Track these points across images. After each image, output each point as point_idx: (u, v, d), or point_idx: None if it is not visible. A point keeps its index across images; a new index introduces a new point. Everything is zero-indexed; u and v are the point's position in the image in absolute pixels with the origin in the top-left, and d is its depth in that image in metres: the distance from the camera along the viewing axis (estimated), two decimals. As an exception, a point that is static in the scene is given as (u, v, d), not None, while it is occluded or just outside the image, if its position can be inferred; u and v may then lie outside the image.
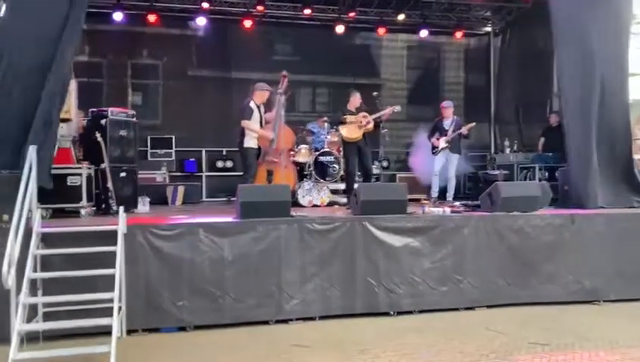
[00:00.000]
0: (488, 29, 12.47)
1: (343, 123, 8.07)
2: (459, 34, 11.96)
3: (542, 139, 9.79)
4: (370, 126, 8.07)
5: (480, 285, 6.23)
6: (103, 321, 4.55)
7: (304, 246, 5.79)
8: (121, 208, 5.30)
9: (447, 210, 6.46)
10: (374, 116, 8.03)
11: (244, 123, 7.49)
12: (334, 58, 11.75)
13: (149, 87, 11.72)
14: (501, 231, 6.32)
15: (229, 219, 5.94)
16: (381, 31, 11.70)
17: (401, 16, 11.40)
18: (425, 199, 7.95)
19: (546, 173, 8.78)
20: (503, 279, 6.31)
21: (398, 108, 8.18)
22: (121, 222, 5.12)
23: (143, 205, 7.52)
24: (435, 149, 8.37)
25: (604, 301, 6.47)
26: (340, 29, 11.32)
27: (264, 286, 5.66)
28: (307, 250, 5.80)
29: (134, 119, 7.45)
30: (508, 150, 10.34)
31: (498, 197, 6.51)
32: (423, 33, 11.74)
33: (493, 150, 12.01)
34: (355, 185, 7.32)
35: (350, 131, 8.10)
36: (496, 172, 9.36)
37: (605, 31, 7.21)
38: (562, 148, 9.14)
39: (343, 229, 5.92)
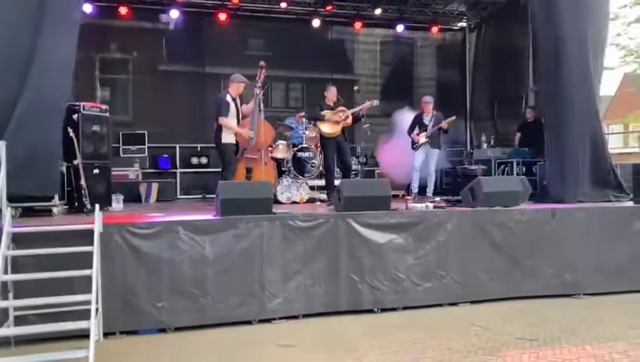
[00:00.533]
0: (463, 24, 12.51)
1: (321, 119, 7.91)
2: (434, 29, 11.97)
3: (518, 134, 9.83)
4: (349, 121, 7.93)
5: (463, 280, 6.21)
6: (79, 325, 4.35)
7: (287, 244, 5.68)
8: (97, 206, 5.08)
9: (430, 205, 6.41)
10: (353, 110, 7.90)
11: (222, 120, 7.28)
12: (309, 53, 11.66)
13: (118, 82, 11.39)
14: (484, 226, 6.30)
15: (209, 216, 5.78)
16: (357, 25, 11.61)
17: (377, 11, 11.34)
18: (406, 195, 7.87)
19: (524, 168, 8.82)
20: (486, 274, 6.30)
21: (376, 102, 8.06)
22: (97, 221, 4.92)
23: (117, 203, 7.28)
24: (415, 144, 8.32)
25: (583, 294, 6.52)
26: (315, 22, 11.18)
27: (246, 285, 5.53)
28: (290, 247, 5.68)
29: (107, 114, 7.20)
30: (485, 145, 10.37)
31: (480, 192, 6.49)
32: (399, 28, 11.70)
33: (469, 145, 12.05)
34: (337, 182, 7.21)
35: (328, 127, 7.95)
36: (475, 167, 9.38)
37: (583, 24, 7.25)
38: (538, 143, 9.26)
39: (326, 226, 5.82)
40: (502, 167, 9.14)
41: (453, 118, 8.32)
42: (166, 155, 10.73)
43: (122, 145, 10.30)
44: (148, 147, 10.45)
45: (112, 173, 8.84)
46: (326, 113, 7.94)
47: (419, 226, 6.09)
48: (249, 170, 7.41)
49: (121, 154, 10.18)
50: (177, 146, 10.92)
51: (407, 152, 8.89)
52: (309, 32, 11.61)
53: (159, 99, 10.79)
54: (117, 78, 11.35)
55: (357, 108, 7.93)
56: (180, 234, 5.39)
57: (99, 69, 11.03)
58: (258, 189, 5.91)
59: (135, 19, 10.90)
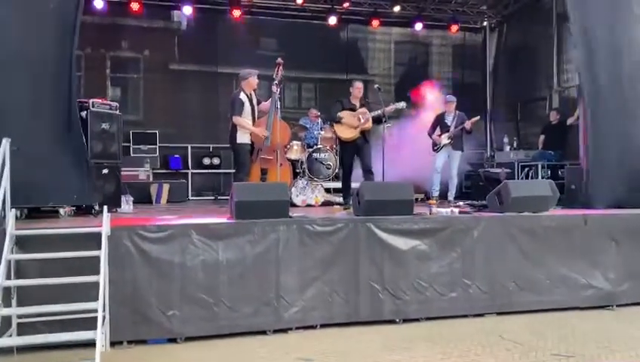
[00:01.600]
0: (484, 23, 12.13)
1: (337, 121, 7.51)
2: (454, 28, 11.59)
3: (542, 137, 9.48)
4: (369, 125, 7.46)
5: (490, 290, 5.87)
6: (85, 335, 4.10)
7: (304, 250, 5.37)
8: (105, 208, 4.81)
9: (455, 210, 6.08)
10: (374, 114, 7.42)
11: (235, 119, 6.97)
12: (324, 52, 11.40)
13: (130, 80, 11.17)
14: (512, 233, 5.96)
15: (223, 219, 5.49)
16: (374, 23, 11.27)
17: (396, 8, 11.03)
18: (429, 199, 7.51)
19: (549, 171, 8.45)
20: (514, 283, 5.95)
21: (402, 104, 7.56)
22: (105, 224, 4.66)
23: (127, 204, 7.02)
24: (436, 146, 7.93)
25: (617, 306, 6.15)
26: (332, 20, 10.89)
27: (261, 292, 5.23)
28: (307, 253, 5.38)
29: (117, 112, 6.93)
30: (507, 148, 10.01)
31: (508, 196, 6.15)
32: (418, 26, 11.36)
33: (489, 148, 11.69)
34: (355, 185, 6.89)
35: (345, 131, 7.52)
36: (499, 170, 9.00)
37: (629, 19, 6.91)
38: (563, 145, 8.96)
39: (345, 231, 5.51)
40: (526, 170, 8.78)
41: (478, 118, 7.93)
42: (177, 155, 10.51)
43: (133, 144, 10.07)
44: (159, 147, 10.23)
45: (122, 173, 8.67)
46: (344, 115, 7.50)
47: (444, 232, 5.77)
48: (264, 172, 7.09)
49: (132, 154, 9.97)
50: (189, 146, 10.69)
51: (423, 153, 8.56)
52: (323, 31, 11.34)
53: (171, 98, 10.60)
54: (128, 77, 11.17)
55: (378, 112, 7.41)
56: (192, 238, 5.10)
57: (110, 67, 10.80)
58: (274, 191, 5.60)
59: (146, 17, 10.67)
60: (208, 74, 11.10)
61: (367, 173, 7.43)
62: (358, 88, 7.59)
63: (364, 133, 7.51)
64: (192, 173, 10.57)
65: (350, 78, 10.82)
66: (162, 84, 10.92)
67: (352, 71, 11.61)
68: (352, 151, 7.56)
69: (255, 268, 5.21)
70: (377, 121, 7.49)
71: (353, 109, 7.57)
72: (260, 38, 11.66)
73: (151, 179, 9.75)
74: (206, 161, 10.59)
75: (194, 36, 11.20)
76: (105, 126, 6.70)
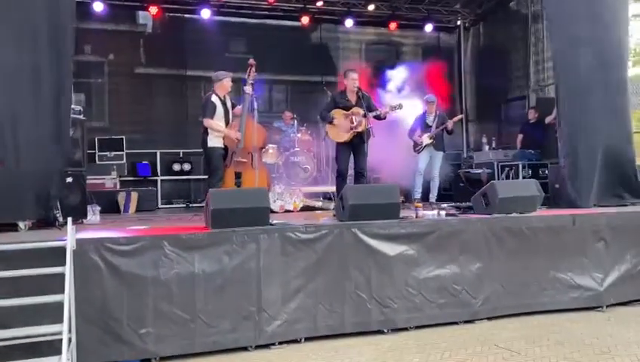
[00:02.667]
0: (458, 22, 12.00)
1: (329, 121, 7.01)
2: (428, 27, 11.42)
3: (520, 136, 9.37)
4: (362, 128, 6.81)
5: (479, 295, 5.65)
6: (49, 361, 3.69)
7: (286, 259, 5.06)
8: (69, 219, 4.41)
9: (442, 213, 5.83)
10: (373, 114, 6.81)
11: (206, 122, 6.61)
12: (297, 53, 11.09)
13: (94, 85, 10.67)
14: (500, 235, 5.76)
15: (198, 229, 5.14)
16: (348, 23, 11.00)
17: (371, 7, 10.80)
18: (415, 201, 7.25)
19: (529, 171, 8.31)
20: (503, 287, 5.75)
21: (400, 106, 6.89)
22: (69, 237, 4.27)
23: (94, 214, 6.56)
24: (418, 146, 7.67)
25: (606, 306, 6.00)
26: (304, 20, 10.60)
27: (241, 306, 4.89)
28: (290, 262, 5.06)
29: (81, 116, 6.50)
30: (486, 147, 9.86)
31: (495, 197, 5.95)
32: (392, 26, 11.14)
33: (465, 148, 11.54)
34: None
35: (338, 135, 7.01)
36: (479, 170, 8.82)
37: (601, 17, 6.79)
38: (541, 144, 8.84)
39: (330, 238, 5.21)
40: (506, 170, 8.61)
41: (461, 116, 7.70)
42: (146, 162, 10.05)
43: (98, 151, 9.57)
44: (126, 153, 9.75)
45: (87, 181, 8.22)
46: (336, 115, 6.98)
47: (431, 236, 5.52)
48: (238, 175, 6.72)
49: (97, 161, 9.48)
50: (158, 152, 10.23)
51: (402, 154, 8.32)
52: (295, 32, 11.07)
53: (138, 103, 10.16)
54: (92, 82, 10.66)
55: (373, 114, 6.84)
56: (165, 250, 4.74)
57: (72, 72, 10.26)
58: (253, 197, 5.27)
59: (110, 20, 10.21)
60: (176, 77, 10.67)
61: (360, 175, 6.98)
62: (353, 80, 6.87)
63: (360, 133, 6.95)
64: (161, 179, 10.13)
65: (325, 81, 10.62)
66: (128, 89, 10.45)
67: (326, 72, 11.33)
68: (348, 151, 7.05)
69: (234, 280, 4.87)
70: (377, 118, 6.93)
71: (347, 107, 7.03)
72: (230, 39, 11.29)
73: (118, 187, 9.29)
74: (176, 167, 10.16)
75: (160, 38, 10.77)
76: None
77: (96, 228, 5.96)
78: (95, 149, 9.55)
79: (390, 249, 5.36)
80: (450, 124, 7.65)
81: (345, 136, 6.95)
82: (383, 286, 5.31)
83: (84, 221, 6.40)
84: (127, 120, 10.17)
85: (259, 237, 4.98)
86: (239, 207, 5.09)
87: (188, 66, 10.72)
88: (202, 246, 4.84)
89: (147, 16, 10.62)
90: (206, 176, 6.87)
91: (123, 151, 9.70)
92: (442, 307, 5.49)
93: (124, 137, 9.77)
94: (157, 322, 4.64)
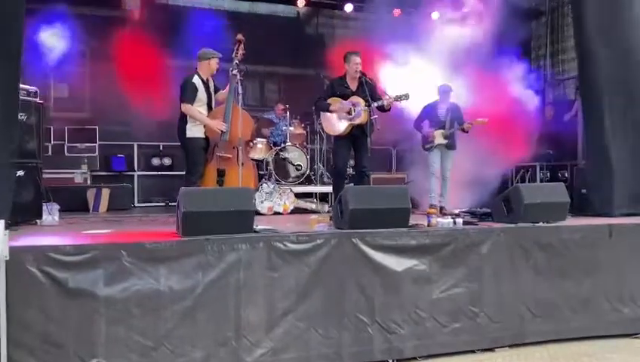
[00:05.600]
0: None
1: (324, 109, 6.12)
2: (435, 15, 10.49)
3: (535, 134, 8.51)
4: (360, 120, 5.98)
5: (501, 319, 4.82)
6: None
7: (273, 274, 4.21)
8: (1, 223, 3.51)
9: (459, 221, 4.96)
10: (375, 104, 5.91)
11: (185, 108, 5.74)
12: (291, 43, 10.23)
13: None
14: (526, 248, 4.93)
15: (168, 236, 4.26)
16: (348, 8, 10.08)
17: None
18: (431, 207, 6.31)
19: (548, 174, 7.47)
20: (528, 310, 4.93)
21: (405, 95, 5.92)
22: (1, 244, 3.42)
23: (51, 214, 5.65)
24: (429, 143, 6.74)
25: (645, 333, 5.19)
26: (300, 3, 9.71)
27: (216, 331, 4.06)
28: (277, 278, 4.22)
29: (37, 99, 5.57)
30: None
31: (519, 203, 5.10)
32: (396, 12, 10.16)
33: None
34: None
35: (332, 127, 6.14)
36: (493, 171, 7.93)
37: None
38: (559, 144, 8.03)
39: (325, 249, 4.35)
40: (521, 172, 7.76)
41: (486, 120, 6.69)
42: (121, 155, 9.14)
43: (68, 142, 8.66)
44: (99, 145, 8.84)
45: (54, 176, 7.34)
46: (333, 105, 6.10)
47: (446, 249, 4.69)
48: (221, 173, 5.79)
49: (66, 153, 8.59)
50: (135, 145, 9.33)
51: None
52: (291, 21, 10.20)
53: (114, 90, 9.18)
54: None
55: (376, 104, 5.93)
56: (123, 262, 3.88)
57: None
58: (235, 198, 4.38)
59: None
60: (158, 65, 9.73)
61: (362, 173, 6.09)
62: (355, 64, 6.00)
63: (361, 125, 6.03)
64: (138, 175, 9.23)
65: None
66: (104, 75, 9.50)
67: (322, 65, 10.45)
68: (347, 145, 6.16)
69: (208, 299, 4.04)
70: (380, 109, 6.02)
71: (346, 95, 6.12)
72: (218, 27, 10.40)
73: (89, 182, 8.40)
74: (155, 161, 9.27)
75: (143, 25, 9.86)
76: (20, 116, 5.31)
77: (48, 231, 5.05)
78: (65, 140, 8.65)
79: (397, 263, 4.53)
80: (469, 126, 6.65)
81: (341, 129, 6.08)
82: (388, 307, 4.50)
83: (39, 222, 5.50)
84: (103, 108, 9.21)
85: (239, 246, 4.13)
86: (217, 210, 4.21)
87: (172, 54, 9.79)
88: (170, 257, 3.98)
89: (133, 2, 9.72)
90: (185, 172, 5.95)
91: (96, 143, 8.78)
92: (457, 333, 4.68)
93: (97, 127, 8.85)
94: (111, 350, 3.81)
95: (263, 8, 10.37)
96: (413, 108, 7.17)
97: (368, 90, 5.95)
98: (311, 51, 10.49)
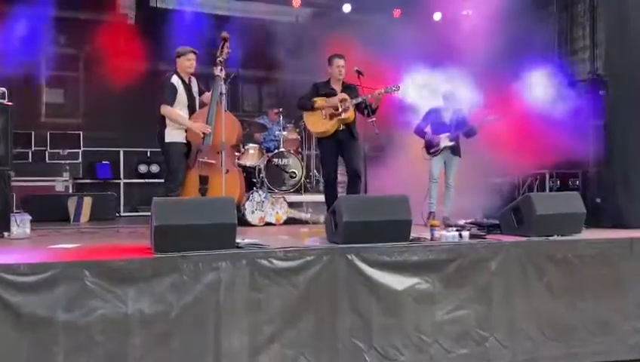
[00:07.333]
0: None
1: (308, 108, 5.79)
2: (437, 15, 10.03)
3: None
4: (349, 115, 5.68)
5: (512, 343, 4.35)
6: None
7: (257, 295, 3.77)
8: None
9: (465, 233, 4.50)
10: (357, 101, 5.64)
11: (164, 109, 5.34)
12: (289, 48, 9.79)
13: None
14: (539, 264, 4.47)
15: (139, 252, 3.81)
16: (346, 8, 9.62)
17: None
18: (431, 218, 5.86)
19: (557, 181, 7.01)
20: (542, 333, 4.47)
21: (394, 89, 5.61)
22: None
23: (20, 226, 5.18)
24: (433, 148, 6.26)
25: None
26: (296, 2, 9.29)
27: (193, 360, 3.60)
28: (262, 300, 3.77)
29: (5, 100, 5.13)
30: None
31: (531, 214, 4.65)
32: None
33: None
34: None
35: (317, 123, 5.81)
36: (498, 180, 7.47)
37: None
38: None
39: (317, 266, 3.91)
40: (529, 179, 7.30)
41: (496, 117, 6.21)
42: (106, 162, 8.69)
43: (50, 148, 8.21)
44: (83, 151, 8.39)
45: (33, 184, 6.90)
46: (318, 101, 5.77)
47: (451, 265, 4.23)
48: (204, 181, 5.34)
49: (47, 160, 8.15)
50: (121, 151, 8.87)
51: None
52: (287, 26, 9.74)
53: (98, 94, 8.78)
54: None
55: (361, 98, 5.62)
56: (86, 283, 3.43)
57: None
58: (215, 210, 3.92)
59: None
60: (145, 68, 9.32)
61: (354, 177, 5.68)
62: (338, 67, 5.81)
63: (348, 125, 5.73)
64: (124, 183, 8.79)
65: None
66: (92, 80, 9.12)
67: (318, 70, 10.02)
68: (333, 149, 5.79)
69: (183, 324, 3.59)
70: (363, 110, 5.64)
71: (332, 95, 5.81)
72: (212, 32, 9.99)
73: (71, 190, 7.96)
74: (142, 168, 8.82)
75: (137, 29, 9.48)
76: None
77: (11, 245, 4.60)
78: (46, 146, 8.23)
79: (397, 282, 4.09)
80: (479, 123, 6.17)
81: (326, 125, 5.70)
82: (387, 331, 4.05)
83: (6, 235, 5.05)
84: (87, 112, 8.83)
85: (219, 265, 3.69)
86: (195, 223, 3.75)
87: (161, 59, 9.38)
88: (140, 277, 3.53)
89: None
90: (163, 180, 5.52)
91: (79, 148, 8.35)
92: (464, 359, 4.21)
93: (81, 133, 8.43)
94: (72, 384, 3.33)
95: (262, 12, 9.94)
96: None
97: (351, 92, 5.75)
98: (309, 56, 10.07)
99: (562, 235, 4.72)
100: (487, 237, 4.65)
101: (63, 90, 9.31)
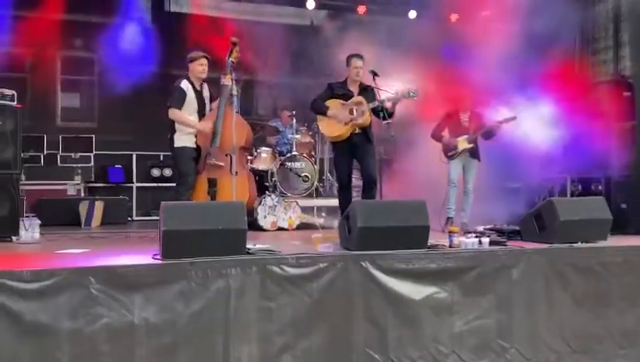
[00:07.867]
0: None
1: (322, 112, 5.59)
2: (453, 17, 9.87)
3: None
4: (363, 120, 5.48)
5: (534, 354, 4.18)
6: None
7: (268, 304, 3.64)
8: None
9: (485, 240, 4.32)
10: (373, 105, 5.45)
11: (172, 113, 5.28)
12: (304, 52, 9.67)
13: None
14: (563, 272, 4.30)
15: (147, 258, 3.68)
16: (361, 10, 9.48)
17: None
18: (451, 223, 5.65)
19: (579, 186, 6.78)
20: (566, 344, 4.29)
21: (411, 92, 5.33)
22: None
23: (29, 231, 5.10)
24: (451, 151, 6.07)
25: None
26: (310, 4, 9.16)
27: None
28: (273, 309, 3.65)
29: (14, 103, 5.06)
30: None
31: (554, 220, 4.47)
32: (412, 14, 9.56)
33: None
34: None
35: (331, 128, 5.62)
36: (517, 184, 7.24)
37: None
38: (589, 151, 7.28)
39: (330, 274, 3.77)
40: (549, 184, 7.07)
41: (514, 117, 6.01)
42: (119, 166, 8.61)
43: (62, 151, 8.15)
44: (95, 155, 8.31)
45: (45, 187, 6.83)
46: (332, 105, 5.58)
47: (471, 274, 4.08)
48: (212, 183, 5.22)
49: (59, 163, 8.07)
50: (134, 154, 8.78)
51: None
52: (301, 29, 9.64)
53: (112, 98, 8.71)
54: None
55: (377, 102, 5.43)
56: (91, 290, 3.32)
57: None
58: (224, 214, 3.79)
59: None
60: (157, 73, 9.25)
61: (369, 183, 5.49)
62: (356, 68, 5.58)
63: (364, 129, 5.52)
64: (137, 187, 8.69)
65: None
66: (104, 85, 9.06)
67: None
68: (347, 153, 5.59)
69: (191, 334, 3.47)
70: (378, 115, 5.48)
71: (348, 97, 5.63)
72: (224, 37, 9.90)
73: (82, 194, 7.89)
74: (155, 172, 8.70)
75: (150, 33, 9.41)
76: (-9, 123, 4.84)
77: (18, 250, 4.53)
78: (58, 150, 8.17)
79: (414, 291, 3.94)
80: (497, 124, 5.95)
81: (341, 130, 5.51)
82: (404, 342, 3.90)
83: (14, 239, 4.96)
84: (100, 116, 8.77)
85: (229, 271, 3.57)
86: (204, 229, 3.63)
87: (174, 64, 9.30)
88: (146, 284, 3.42)
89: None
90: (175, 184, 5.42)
91: (92, 152, 8.28)
92: (484, 371, 4.02)
93: (93, 136, 8.36)
94: (76, 395, 3.22)
95: (276, 17, 9.83)
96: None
97: (369, 95, 5.54)
98: (324, 59, 9.93)
99: (586, 242, 4.53)
100: (507, 243, 4.47)
101: (78, 93, 9.30)
